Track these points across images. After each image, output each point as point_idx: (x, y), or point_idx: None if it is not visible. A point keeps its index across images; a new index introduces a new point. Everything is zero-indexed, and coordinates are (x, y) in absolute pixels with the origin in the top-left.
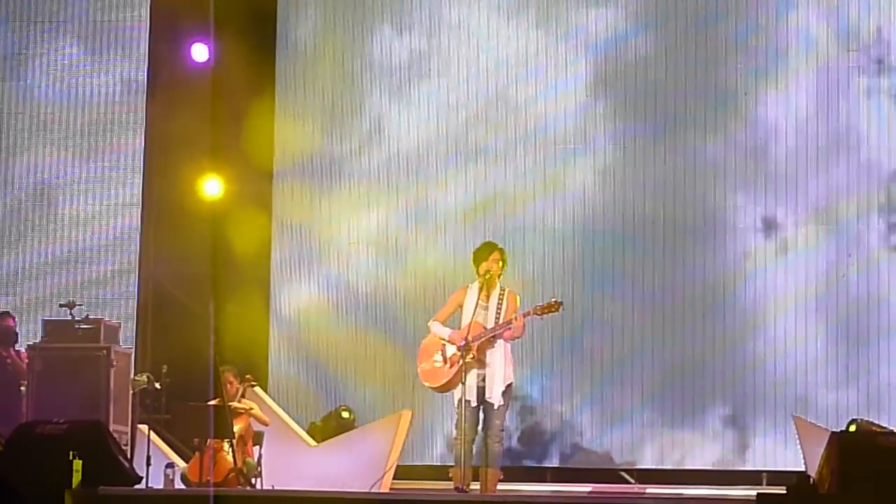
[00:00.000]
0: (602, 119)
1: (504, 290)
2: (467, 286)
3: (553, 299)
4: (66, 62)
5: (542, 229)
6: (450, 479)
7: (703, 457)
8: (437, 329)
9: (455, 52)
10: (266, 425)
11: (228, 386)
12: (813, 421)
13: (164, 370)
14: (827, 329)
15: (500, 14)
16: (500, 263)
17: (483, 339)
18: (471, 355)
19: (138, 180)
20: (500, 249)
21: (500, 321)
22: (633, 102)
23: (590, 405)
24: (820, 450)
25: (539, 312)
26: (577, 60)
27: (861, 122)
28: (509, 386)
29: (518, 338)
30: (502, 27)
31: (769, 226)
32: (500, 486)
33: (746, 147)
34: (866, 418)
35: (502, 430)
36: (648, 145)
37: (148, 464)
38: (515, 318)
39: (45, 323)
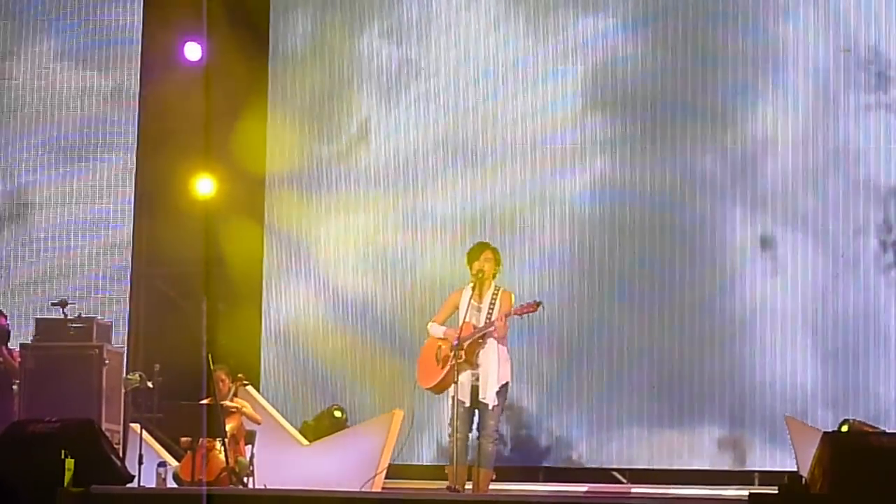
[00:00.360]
0: (594, 127)
1: (498, 290)
2: (463, 287)
3: (532, 300)
4: (57, 59)
5: (535, 236)
6: (445, 479)
7: (696, 457)
8: (434, 329)
9: (448, 58)
10: (258, 424)
11: (221, 384)
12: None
13: (157, 369)
14: (814, 340)
15: (492, 22)
16: (493, 263)
17: (471, 339)
18: (461, 356)
19: (131, 179)
20: (493, 249)
21: (492, 321)
22: (626, 111)
23: (582, 406)
24: (812, 450)
25: (518, 313)
26: (570, 68)
27: (858, 137)
28: (504, 386)
29: (502, 338)
30: (494, 35)
31: (763, 238)
32: (493, 486)
33: (740, 159)
34: (858, 419)
35: (497, 431)
36: (641, 154)
37: (140, 462)
38: (497, 319)
39: (38, 321)
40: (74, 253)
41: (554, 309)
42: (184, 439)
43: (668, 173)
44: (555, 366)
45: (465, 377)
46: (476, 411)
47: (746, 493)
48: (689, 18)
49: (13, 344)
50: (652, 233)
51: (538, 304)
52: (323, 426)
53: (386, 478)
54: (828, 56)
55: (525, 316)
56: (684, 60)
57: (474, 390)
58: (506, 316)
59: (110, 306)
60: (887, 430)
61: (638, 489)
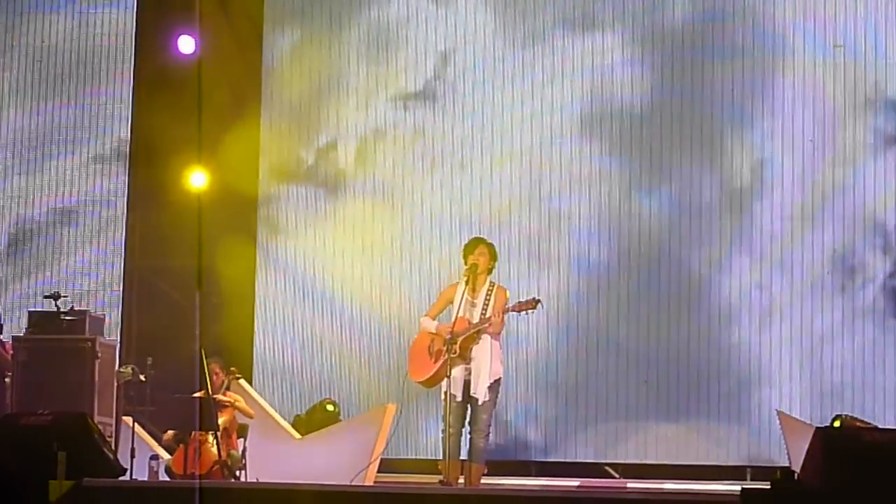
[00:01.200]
0: (590, 151)
1: (493, 286)
2: (457, 282)
3: (531, 297)
4: (50, 51)
5: (529, 250)
6: (438, 473)
7: (688, 452)
8: (426, 323)
9: (441, 71)
10: (251, 418)
11: (214, 378)
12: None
13: (150, 362)
14: (806, 341)
15: (488, 40)
16: (488, 257)
17: (465, 335)
18: (455, 351)
19: (124, 171)
20: (488, 244)
21: (488, 317)
22: (623, 136)
23: (575, 401)
24: (804, 445)
25: (517, 309)
26: (564, 90)
27: (861, 170)
28: (496, 381)
29: (497, 333)
30: (489, 54)
31: (759, 275)
32: (485, 481)
33: (736, 189)
34: (850, 414)
35: (489, 426)
36: (636, 180)
37: (132, 455)
38: (494, 315)
39: (31, 314)
40: (67, 245)
41: (549, 308)
42: (166, 436)
43: (664, 199)
44: (547, 362)
45: (457, 372)
46: (468, 406)
47: (738, 487)
48: (687, 47)
49: (6, 336)
50: (646, 243)
51: (537, 301)
52: (315, 420)
53: (378, 472)
54: (832, 84)
55: (523, 313)
56: (680, 86)
57: (467, 385)
58: (503, 312)
59: (103, 299)
60: (880, 426)
61: (630, 484)
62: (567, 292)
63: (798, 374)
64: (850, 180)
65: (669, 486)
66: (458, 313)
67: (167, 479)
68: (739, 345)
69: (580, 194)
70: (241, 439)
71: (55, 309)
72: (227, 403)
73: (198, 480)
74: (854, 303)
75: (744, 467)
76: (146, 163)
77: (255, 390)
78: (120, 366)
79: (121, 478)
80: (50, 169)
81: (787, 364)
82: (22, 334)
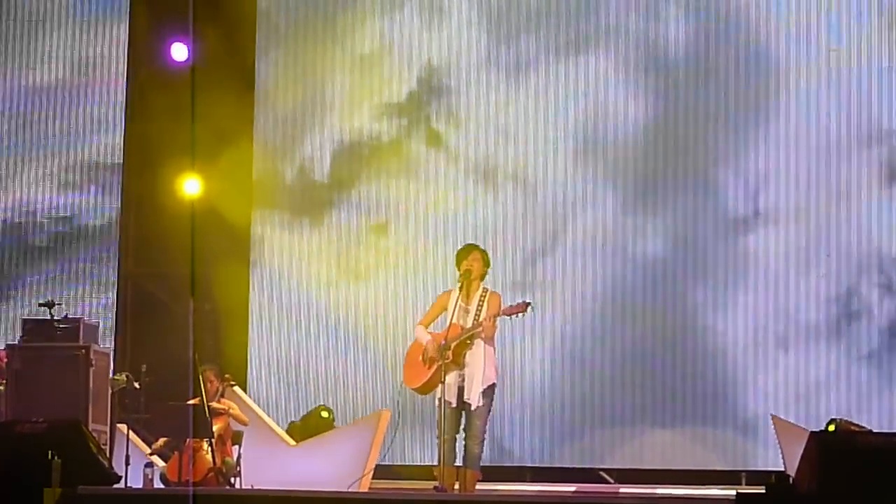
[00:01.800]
0: (583, 174)
1: (486, 292)
2: (451, 289)
3: (522, 300)
4: (44, 59)
5: (523, 268)
6: (433, 479)
7: (683, 457)
8: (418, 333)
9: (436, 95)
10: (245, 425)
11: (209, 385)
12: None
13: (144, 370)
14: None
15: (480, 61)
16: (481, 263)
17: (458, 340)
18: (448, 357)
19: (118, 178)
20: (482, 250)
21: (480, 321)
22: (616, 160)
23: (570, 406)
24: (799, 449)
25: (507, 313)
26: (557, 112)
27: (861, 200)
28: (490, 387)
29: (490, 338)
30: (481, 74)
31: (758, 306)
32: (480, 487)
33: (732, 217)
34: (845, 418)
35: (483, 432)
36: (631, 203)
37: (127, 463)
38: (485, 319)
39: (25, 322)
40: (61, 252)
41: (544, 312)
42: (156, 444)
43: (660, 218)
44: (542, 367)
45: (451, 378)
46: (463, 412)
47: (734, 492)
48: (682, 74)
49: None
50: (640, 261)
51: (527, 304)
52: (310, 426)
53: (373, 478)
54: (832, 117)
55: (514, 317)
56: (675, 112)
57: (461, 391)
58: (494, 317)
59: (97, 307)
60: (874, 430)
61: (626, 489)
62: (561, 308)
63: (794, 375)
64: (851, 214)
65: (665, 490)
66: (451, 320)
67: (162, 486)
68: (736, 347)
69: (575, 214)
70: (236, 446)
71: (49, 317)
72: (222, 410)
73: (192, 488)
74: (854, 339)
75: (739, 472)
76: (139, 170)
77: (250, 397)
78: (114, 373)
79: (115, 485)
80: (43, 176)
81: (781, 365)
82: (16, 342)
